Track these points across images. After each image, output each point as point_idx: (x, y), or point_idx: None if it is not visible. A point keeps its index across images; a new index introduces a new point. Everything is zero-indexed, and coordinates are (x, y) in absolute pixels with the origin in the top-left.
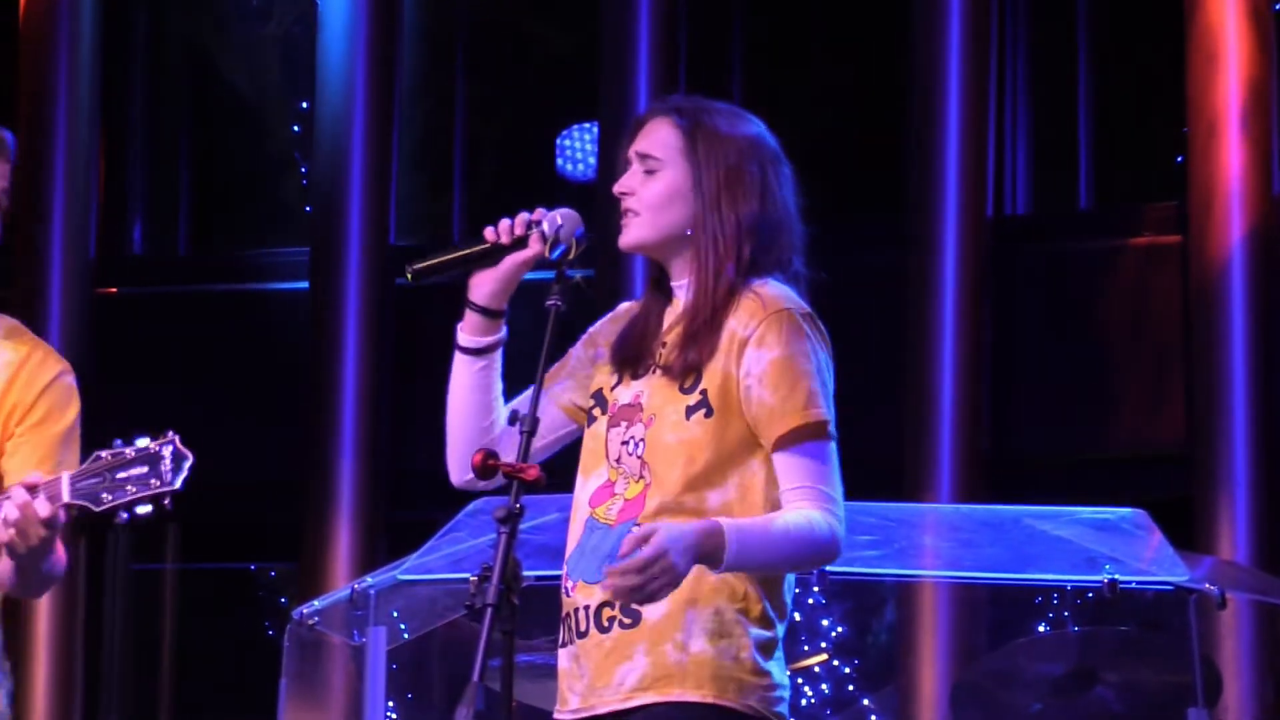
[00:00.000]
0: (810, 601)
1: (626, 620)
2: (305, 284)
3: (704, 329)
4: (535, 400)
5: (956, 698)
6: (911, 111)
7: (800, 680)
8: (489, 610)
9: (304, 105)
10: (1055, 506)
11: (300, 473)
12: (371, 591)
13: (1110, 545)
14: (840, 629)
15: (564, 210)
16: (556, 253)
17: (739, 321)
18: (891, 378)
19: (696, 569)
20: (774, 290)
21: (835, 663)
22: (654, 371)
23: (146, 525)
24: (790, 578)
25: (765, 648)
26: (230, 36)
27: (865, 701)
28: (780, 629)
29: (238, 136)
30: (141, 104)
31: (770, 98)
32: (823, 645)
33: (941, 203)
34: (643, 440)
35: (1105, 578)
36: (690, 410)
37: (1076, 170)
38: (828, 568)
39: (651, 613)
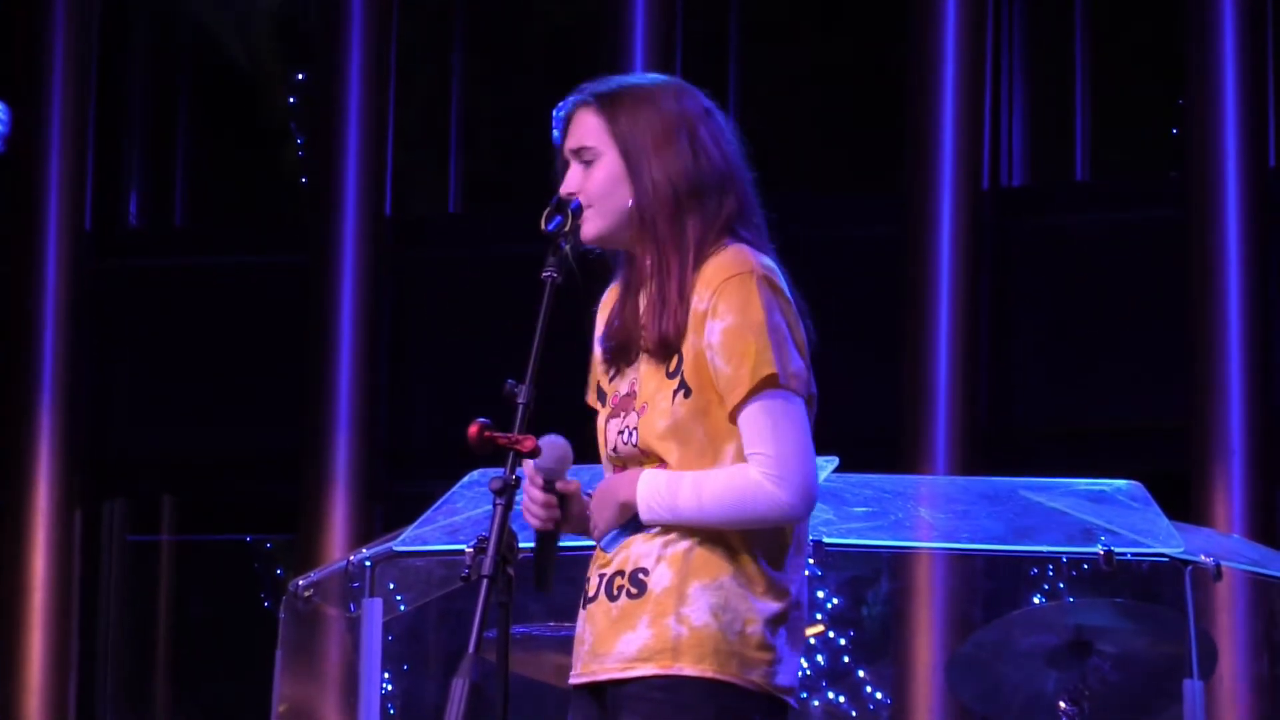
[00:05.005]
0: (805, 573)
1: (633, 590)
2: (302, 256)
3: (669, 293)
4: (531, 374)
5: (952, 669)
6: (908, 83)
7: None
8: (485, 581)
9: (300, 76)
10: (1051, 478)
11: (297, 444)
12: (367, 563)
13: (1106, 517)
14: (836, 600)
15: (546, 442)
16: (552, 225)
17: (699, 297)
18: (888, 350)
19: (695, 546)
20: (725, 257)
21: (831, 634)
22: (642, 356)
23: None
24: (798, 547)
25: (773, 621)
26: (226, 7)
27: (861, 673)
28: (791, 600)
29: (234, 108)
30: (137, 75)
31: (768, 71)
32: (818, 617)
33: (938, 174)
34: (635, 429)
35: (1101, 549)
36: (674, 394)
37: (1073, 141)
38: (824, 539)
39: (657, 584)
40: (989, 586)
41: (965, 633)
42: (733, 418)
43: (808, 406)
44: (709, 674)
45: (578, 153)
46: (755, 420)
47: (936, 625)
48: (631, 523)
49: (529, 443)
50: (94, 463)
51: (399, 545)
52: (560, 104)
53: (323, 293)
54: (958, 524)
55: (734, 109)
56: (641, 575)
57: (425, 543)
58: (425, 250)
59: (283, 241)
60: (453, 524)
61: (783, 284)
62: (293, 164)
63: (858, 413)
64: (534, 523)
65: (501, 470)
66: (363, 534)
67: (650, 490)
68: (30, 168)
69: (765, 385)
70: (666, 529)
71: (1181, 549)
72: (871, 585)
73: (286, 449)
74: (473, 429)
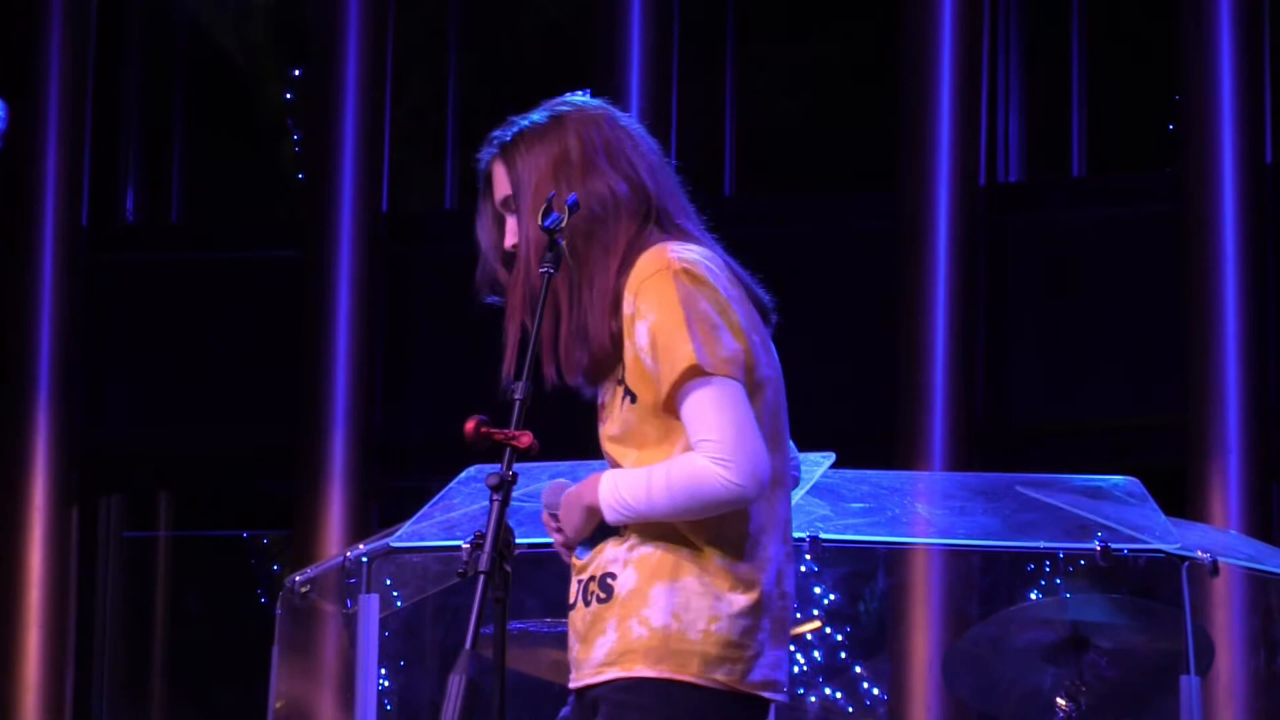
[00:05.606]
0: (802, 569)
1: (602, 595)
2: (298, 252)
3: (584, 320)
4: (530, 368)
5: (948, 665)
6: (904, 79)
7: (792, 647)
8: (482, 577)
9: (297, 73)
10: (1048, 474)
11: (293, 440)
12: (364, 559)
13: (1103, 513)
14: (833, 596)
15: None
16: (550, 220)
17: (627, 303)
18: (885, 346)
19: (658, 547)
20: (642, 262)
21: (828, 630)
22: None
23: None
24: (763, 531)
25: (743, 615)
26: (223, 4)
27: (857, 669)
28: (764, 591)
29: (230, 104)
30: (134, 71)
31: (764, 67)
32: (815, 613)
33: (934, 171)
34: (601, 435)
35: (1097, 545)
36: (622, 399)
37: (1069, 137)
38: (821, 535)
39: (622, 588)
40: (986, 582)
41: (962, 629)
42: (671, 412)
43: (759, 388)
44: (666, 675)
45: (505, 204)
46: (690, 410)
47: (933, 621)
48: (601, 527)
49: (525, 438)
50: (90, 459)
51: (396, 541)
52: (480, 160)
53: (319, 289)
54: (954, 520)
55: (730, 106)
56: (609, 579)
57: (422, 539)
58: (421, 246)
59: (279, 237)
60: (449, 520)
61: (705, 272)
62: (289, 160)
63: (854, 409)
64: (569, 563)
65: (498, 466)
66: (359, 530)
67: (610, 491)
68: (27, 164)
69: (690, 375)
70: (634, 533)
71: (1178, 545)
72: (868, 581)
73: (283, 445)
74: (469, 424)
